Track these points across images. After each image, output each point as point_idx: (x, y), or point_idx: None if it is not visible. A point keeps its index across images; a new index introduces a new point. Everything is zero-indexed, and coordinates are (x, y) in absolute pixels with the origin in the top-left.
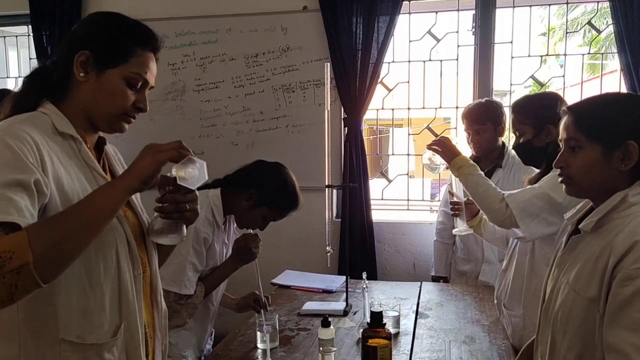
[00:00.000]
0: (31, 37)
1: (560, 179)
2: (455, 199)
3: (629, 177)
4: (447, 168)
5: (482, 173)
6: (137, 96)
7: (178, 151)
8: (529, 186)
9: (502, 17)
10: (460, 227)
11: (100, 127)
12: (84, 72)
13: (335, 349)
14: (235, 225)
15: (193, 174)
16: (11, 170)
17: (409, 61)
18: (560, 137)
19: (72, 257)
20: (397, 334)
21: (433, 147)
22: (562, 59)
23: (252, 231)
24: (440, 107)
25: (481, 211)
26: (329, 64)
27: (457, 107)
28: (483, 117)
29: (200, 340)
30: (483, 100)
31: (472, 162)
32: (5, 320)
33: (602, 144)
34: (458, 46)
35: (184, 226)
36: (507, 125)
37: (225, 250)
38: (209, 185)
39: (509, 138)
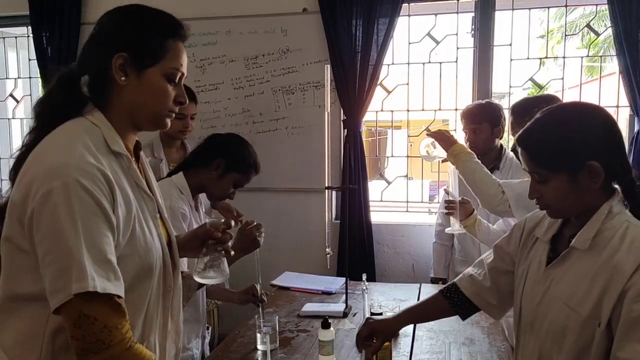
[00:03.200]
0: (31, 38)
1: (539, 206)
2: (450, 197)
3: (603, 188)
4: (443, 161)
5: (479, 161)
6: (176, 90)
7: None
8: (527, 179)
9: (501, 19)
10: (454, 227)
11: (146, 127)
12: (125, 76)
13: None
14: (203, 208)
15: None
16: (101, 221)
17: (409, 63)
18: (523, 167)
19: None
20: (397, 336)
21: (431, 134)
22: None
23: (243, 219)
24: (440, 109)
25: (475, 211)
26: (328, 66)
27: (456, 109)
28: (480, 117)
29: (202, 327)
30: (483, 101)
31: (469, 150)
32: (31, 332)
33: (566, 173)
34: (457, 48)
35: (227, 264)
36: (505, 128)
37: None
38: (170, 173)
39: (507, 141)
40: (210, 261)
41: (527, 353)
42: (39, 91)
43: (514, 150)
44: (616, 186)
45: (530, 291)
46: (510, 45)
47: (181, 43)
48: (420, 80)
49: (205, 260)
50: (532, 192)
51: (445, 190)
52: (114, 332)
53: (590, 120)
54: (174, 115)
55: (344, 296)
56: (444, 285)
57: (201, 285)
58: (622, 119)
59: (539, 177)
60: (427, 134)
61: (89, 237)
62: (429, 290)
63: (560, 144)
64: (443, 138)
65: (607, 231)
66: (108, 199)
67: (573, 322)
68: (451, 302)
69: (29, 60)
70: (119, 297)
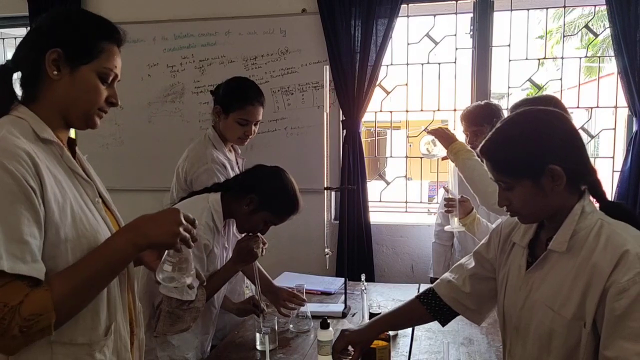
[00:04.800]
0: None
1: (509, 214)
2: (449, 196)
3: (569, 189)
4: (443, 159)
5: (479, 159)
6: (109, 91)
7: (187, 244)
8: None
9: (500, 20)
10: (453, 225)
11: (76, 125)
12: (57, 70)
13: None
14: (234, 228)
15: (176, 278)
16: (19, 201)
17: (407, 64)
18: (490, 176)
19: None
20: (395, 336)
21: (432, 132)
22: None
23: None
24: (439, 110)
25: (474, 210)
26: (327, 66)
27: (455, 110)
28: (480, 118)
29: (202, 341)
30: (482, 102)
31: (469, 148)
32: None
33: (528, 178)
34: (456, 49)
35: (192, 265)
36: None
37: (225, 254)
38: (209, 189)
39: None
40: (179, 264)
41: (516, 357)
42: None
43: None
44: (585, 187)
45: (512, 296)
46: (509, 46)
47: (116, 47)
48: (419, 80)
49: (170, 264)
50: (500, 200)
51: (444, 188)
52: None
53: (548, 125)
54: (103, 114)
55: (343, 296)
56: (421, 291)
57: (210, 296)
58: (621, 119)
59: (504, 185)
60: (428, 132)
61: (3, 216)
62: None
63: (519, 151)
64: (443, 135)
65: (582, 231)
66: (34, 180)
67: (558, 325)
68: (429, 307)
69: None
70: (35, 278)
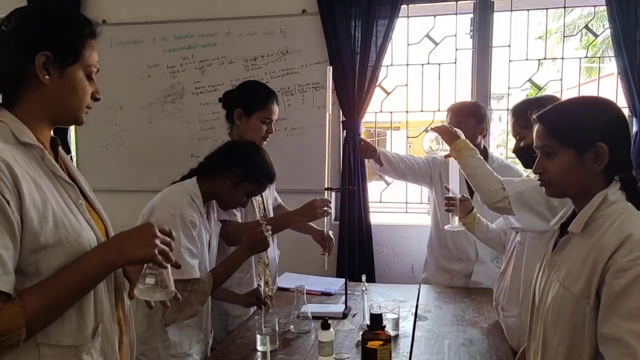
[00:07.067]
0: None
1: (539, 182)
2: (450, 194)
3: (604, 176)
4: (446, 157)
5: (482, 157)
6: (92, 87)
7: (167, 257)
8: (527, 178)
9: (500, 20)
10: (454, 224)
11: (65, 123)
12: (47, 74)
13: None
14: (215, 214)
15: (152, 292)
16: None
17: (407, 64)
18: (534, 144)
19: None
20: (396, 337)
21: (435, 129)
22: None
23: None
24: (438, 110)
25: (475, 209)
26: (331, 67)
27: None
28: (467, 111)
29: (204, 340)
30: (470, 100)
31: (472, 145)
32: None
33: (574, 148)
34: (456, 49)
35: (171, 279)
36: (489, 128)
37: (208, 237)
38: (185, 177)
39: (507, 142)
40: (160, 276)
41: (536, 336)
42: None
43: (516, 152)
44: (617, 179)
45: (540, 277)
46: (509, 46)
47: (94, 41)
48: (419, 81)
49: (153, 276)
50: (537, 167)
51: (445, 187)
52: None
53: (607, 108)
54: (88, 110)
55: (344, 297)
56: None
57: (214, 288)
58: None
59: (547, 150)
60: (431, 129)
61: None
62: (428, 291)
63: (575, 120)
64: (446, 132)
65: (602, 218)
66: (10, 190)
67: (567, 301)
68: None
69: None
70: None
